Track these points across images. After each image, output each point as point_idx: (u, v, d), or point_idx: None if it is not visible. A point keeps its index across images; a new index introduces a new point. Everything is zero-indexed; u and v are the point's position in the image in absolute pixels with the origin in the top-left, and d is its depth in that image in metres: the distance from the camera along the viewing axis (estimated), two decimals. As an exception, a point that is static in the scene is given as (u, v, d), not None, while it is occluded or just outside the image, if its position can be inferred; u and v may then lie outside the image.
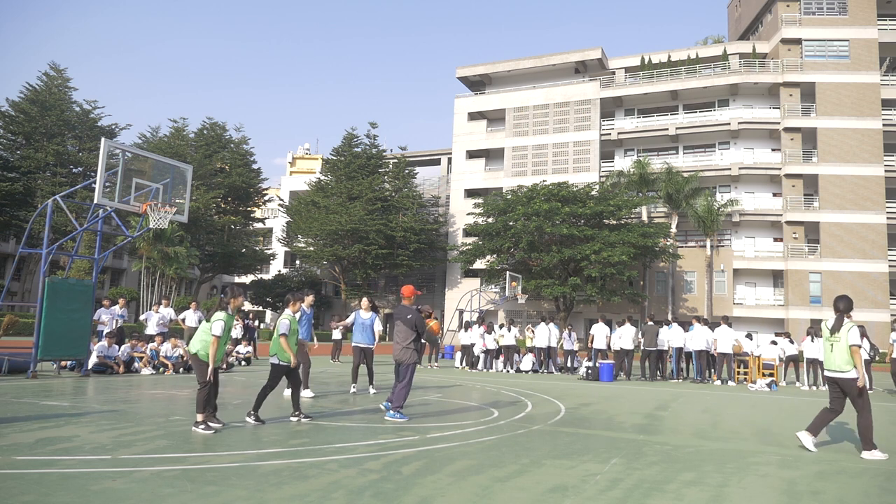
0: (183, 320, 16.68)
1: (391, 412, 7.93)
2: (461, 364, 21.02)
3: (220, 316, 6.74)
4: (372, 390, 11.08)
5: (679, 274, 41.52)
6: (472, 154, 49.51)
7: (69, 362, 13.01)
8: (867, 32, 40.55)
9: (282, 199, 54.84)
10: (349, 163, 48.79)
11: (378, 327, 11.08)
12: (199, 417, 6.59)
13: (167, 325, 15.69)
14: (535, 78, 48.97)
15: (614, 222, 38.44)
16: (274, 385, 7.47)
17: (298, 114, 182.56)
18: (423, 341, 8.13)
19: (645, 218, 41.60)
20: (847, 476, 5.43)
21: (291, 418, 7.53)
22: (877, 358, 16.03)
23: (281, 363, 7.44)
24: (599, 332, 17.77)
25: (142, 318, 16.60)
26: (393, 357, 8.04)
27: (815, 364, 16.36)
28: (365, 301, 10.98)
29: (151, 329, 15.34)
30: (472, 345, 20.49)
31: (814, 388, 16.18)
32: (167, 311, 15.95)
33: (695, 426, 8.27)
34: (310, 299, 10.44)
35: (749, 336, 17.80)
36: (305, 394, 10.12)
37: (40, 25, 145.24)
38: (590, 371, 16.24)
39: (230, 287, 6.97)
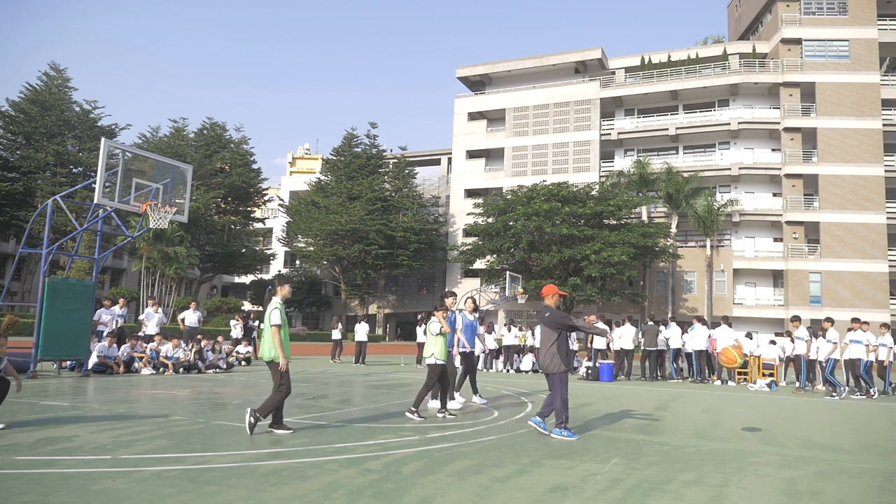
0: (182, 320, 16.68)
1: (556, 429, 6.77)
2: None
3: (274, 304, 6.49)
4: (466, 400, 9.77)
5: (679, 274, 41.52)
6: (472, 154, 49.50)
7: (69, 362, 13.00)
8: (867, 32, 40.54)
9: (282, 199, 54.82)
10: (349, 163, 48.80)
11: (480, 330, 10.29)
12: (267, 420, 6.38)
13: (159, 325, 15.78)
14: (535, 78, 48.96)
15: (614, 222, 38.43)
16: (433, 384, 7.96)
17: (298, 114, 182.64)
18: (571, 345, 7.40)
19: (645, 218, 41.59)
20: (847, 476, 5.42)
21: (438, 414, 8.04)
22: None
23: (438, 362, 7.99)
24: (599, 331, 17.74)
25: (141, 317, 16.62)
26: (539, 366, 7.33)
27: (812, 364, 16.26)
28: (470, 302, 10.14)
29: (151, 329, 15.36)
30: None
31: (820, 387, 16.12)
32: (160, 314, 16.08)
33: (695, 426, 8.26)
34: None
35: (749, 335, 17.76)
36: (453, 403, 9.61)
37: (40, 25, 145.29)
38: (590, 371, 16.25)
39: (276, 278, 6.99)
